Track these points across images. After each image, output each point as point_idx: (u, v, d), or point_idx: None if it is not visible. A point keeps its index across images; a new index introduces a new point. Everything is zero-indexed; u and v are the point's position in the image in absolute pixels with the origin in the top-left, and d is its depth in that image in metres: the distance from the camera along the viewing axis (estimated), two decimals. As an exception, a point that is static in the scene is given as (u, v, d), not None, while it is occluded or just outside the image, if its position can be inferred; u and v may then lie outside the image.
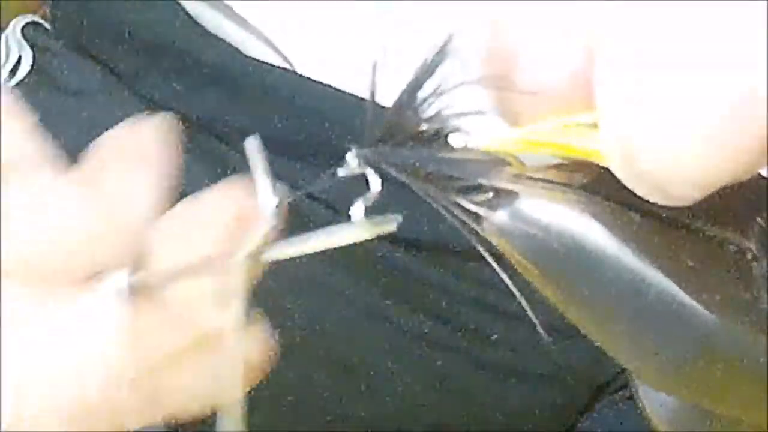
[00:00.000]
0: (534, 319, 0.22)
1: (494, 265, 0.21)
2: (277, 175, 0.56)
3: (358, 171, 0.18)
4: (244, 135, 0.57)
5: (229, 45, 0.58)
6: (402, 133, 0.19)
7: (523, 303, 0.21)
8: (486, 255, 0.21)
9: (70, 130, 0.57)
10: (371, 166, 0.18)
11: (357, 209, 0.19)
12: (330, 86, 0.55)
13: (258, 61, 0.57)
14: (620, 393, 0.60)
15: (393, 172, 0.19)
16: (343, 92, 0.55)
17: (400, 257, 0.57)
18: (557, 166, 0.23)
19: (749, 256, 0.24)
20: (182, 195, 0.56)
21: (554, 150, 0.23)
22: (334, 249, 0.56)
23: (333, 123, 0.55)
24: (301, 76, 0.56)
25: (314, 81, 0.55)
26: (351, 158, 0.18)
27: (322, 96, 0.56)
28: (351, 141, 0.18)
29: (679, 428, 0.26)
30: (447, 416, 0.60)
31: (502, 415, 0.60)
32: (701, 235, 0.24)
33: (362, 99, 0.53)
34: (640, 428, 0.34)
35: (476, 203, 0.22)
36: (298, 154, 0.56)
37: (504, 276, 0.20)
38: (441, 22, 0.51)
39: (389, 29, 0.53)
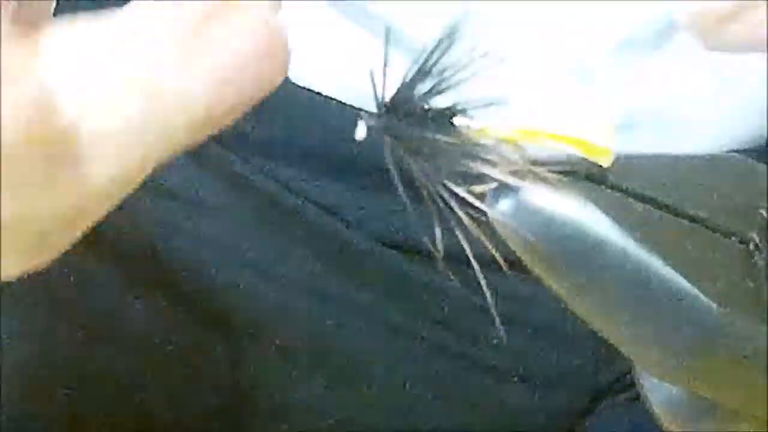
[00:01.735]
0: (494, 314, 0.22)
1: (471, 257, 0.21)
2: (275, 178, 0.56)
3: (368, 135, 0.18)
4: (241, 140, 0.57)
5: None
6: (409, 109, 0.19)
7: (488, 297, 0.21)
8: (470, 253, 0.21)
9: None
10: (378, 135, 0.18)
11: (360, 129, 0.19)
12: (324, 96, 0.56)
13: None
14: (621, 396, 0.60)
15: (392, 146, 0.19)
16: (337, 102, 0.55)
17: (400, 261, 0.57)
18: (562, 156, 0.23)
19: (752, 246, 0.24)
20: (180, 196, 0.56)
21: (559, 141, 0.23)
22: (333, 253, 0.56)
23: (327, 131, 0.55)
24: (297, 85, 0.56)
25: (309, 90, 0.56)
26: (361, 124, 0.18)
27: (317, 105, 0.56)
28: (363, 113, 0.18)
29: (682, 419, 0.26)
30: (447, 420, 0.60)
31: (503, 418, 0.60)
32: (704, 225, 0.24)
33: (359, 109, 0.54)
34: (640, 431, 0.34)
35: (477, 192, 0.22)
36: (294, 160, 0.57)
37: (477, 268, 0.20)
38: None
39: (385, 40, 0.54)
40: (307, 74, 0.56)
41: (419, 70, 0.19)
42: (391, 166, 0.19)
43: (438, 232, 0.21)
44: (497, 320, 0.24)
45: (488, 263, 0.24)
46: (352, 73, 0.54)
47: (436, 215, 0.21)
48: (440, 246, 0.22)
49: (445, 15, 0.23)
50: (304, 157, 0.56)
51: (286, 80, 0.58)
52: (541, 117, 0.23)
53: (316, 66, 0.56)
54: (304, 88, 0.56)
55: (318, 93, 0.55)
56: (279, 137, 0.57)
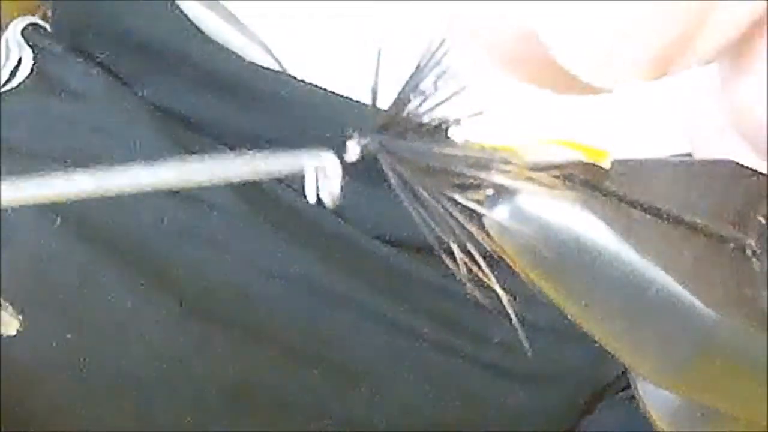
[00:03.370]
0: (514, 317, 0.22)
1: (482, 263, 0.21)
2: (278, 178, 0.56)
3: (359, 156, 0.18)
4: (241, 136, 0.57)
5: (227, 49, 0.58)
6: (403, 125, 0.19)
7: (504, 300, 0.21)
8: (475, 254, 0.21)
9: (71, 132, 0.58)
10: (372, 154, 0.18)
11: (351, 149, 0.19)
12: (323, 89, 0.55)
13: (255, 65, 0.57)
14: (621, 394, 0.60)
15: (391, 163, 0.19)
16: (337, 95, 0.55)
17: (400, 259, 0.57)
18: (558, 163, 0.23)
19: (749, 252, 0.24)
20: (180, 193, 0.56)
21: (556, 144, 0.23)
22: (333, 251, 0.56)
23: (328, 125, 0.55)
24: (296, 79, 0.56)
25: (308, 84, 0.56)
26: (352, 146, 0.18)
27: (316, 98, 0.56)
28: (353, 133, 0.18)
29: (679, 426, 0.26)
30: (447, 418, 0.60)
31: (503, 416, 0.60)
32: (701, 231, 0.24)
33: (356, 101, 0.54)
34: (640, 429, 0.34)
35: (475, 200, 0.22)
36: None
37: (489, 273, 0.20)
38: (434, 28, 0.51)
39: (384, 33, 0.54)
40: (305, 68, 0.56)
41: (411, 85, 0.19)
42: (393, 182, 0.19)
43: (446, 238, 0.21)
44: (516, 322, 0.23)
45: (488, 262, 0.24)
46: (350, 66, 0.54)
47: (441, 225, 0.21)
48: (446, 250, 0.22)
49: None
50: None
51: (285, 74, 0.58)
52: (536, 122, 0.23)
53: (315, 59, 0.56)
54: (302, 81, 0.56)
55: (317, 86, 0.55)
56: (278, 133, 0.56)
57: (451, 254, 0.21)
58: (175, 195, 0.55)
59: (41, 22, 0.65)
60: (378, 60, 0.18)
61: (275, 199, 0.57)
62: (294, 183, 0.56)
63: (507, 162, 0.22)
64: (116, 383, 0.55)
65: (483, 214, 0.22)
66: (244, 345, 0.56)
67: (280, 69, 0.57)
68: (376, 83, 0.18)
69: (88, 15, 0.61)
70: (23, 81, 0.61)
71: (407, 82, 0.19)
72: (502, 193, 0.23)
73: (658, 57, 0.20)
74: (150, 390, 0.55)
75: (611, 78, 0.21)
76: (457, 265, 0.21)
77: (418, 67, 0.18)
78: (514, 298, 0.24)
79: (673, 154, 0.31)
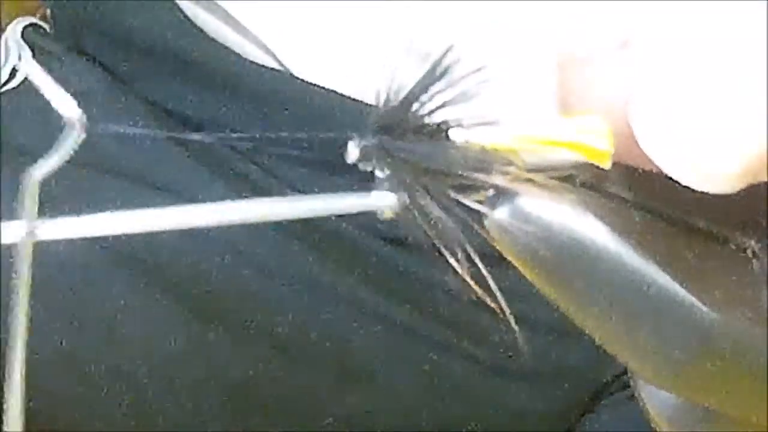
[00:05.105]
0: (509, 317, 0.22)
1: (479, 263, 0.21)
2: (275, 176, 0.56)
3: (361, 160, 0.18)
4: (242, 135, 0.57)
5: (227, 48, 0.58)
6: (404, 127, 0.19)
7: (500, 301, 0.21)
8: (473, 255, 0.21)
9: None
10: (373, 155, 0.18)
11: (380, 195, 0.19)
12: (324, 88, 0.55)
13: (255, 64, 0.57)
14: (620, 393, 0.60)
15: (392, 164, 0.19)
16: (339, 94, 0.55)
17: (399, 256, 0.57)
18: (558, 164, 0.23)
19: (749, 253, 0.24)
20: (179, 193, 0.56)
21: (557, 146, 0.23)
22: (333, 249, 0.56)
23: (329, 125, 0.55)
24: (297, 78, 0.56)
25: (310, 84, 0.56)
26: (352, 148, 0.18)
27: (319, 98, 0.56)
28: (353, 134, 0.18)
29: (679, 426, 0.26)
30: (446, 417, 0.60)
31: (502, 416, 0.60)
32: (702, 232, 0.24)
33: (358, 101, 0.54)
34: (640, 429, 0.34)
35: (476, 201, 0.22)
36: (295, 156, 0.57)
37: (485, 273, 0.20)
38: (438, 26, 0.51)
39: (386, 32, 0.54)
40: (305, 68, 0.56)
41: (412, 87, 0.19)
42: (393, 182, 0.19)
43: (446, 239, 0.21)
44: (512, 320, 0.24)
45: (488, 261, 0.24)
46: (353, 66, 0.54)
47: (441, 225, 0.21)
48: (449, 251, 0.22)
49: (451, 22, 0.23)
50: (302, 152, 0.56)
51: (286, 74, 0.58)
52: (537, 123, 0.23)
53: (315, 59, 0.56)
54: (303, 81, 0.56)
55: (318, 85, 0.55)
56: (279, 132, 0.56)
57: (451, 254, 0.21)
58: (174, 194, 0.55)
59: (41, 22, 0.65)
60: (389, 63, 0.18)
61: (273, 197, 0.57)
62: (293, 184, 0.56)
63: (507, 163, 0.22)
64: (115, 383, 0.55)
65: (483, 215, 0.23)
66: (243, 344, 0.56)
67: (280, 68, 0.57)
68: (384, 84, 0.18)
69: (88, 15, 0.61)
70: (23, 81, 0.61)
71: (409, 84, 0.19)
72: (502, 194, 0.23)
73: (747, 171, 0.22)
74: (149, 389, 0.55)
75: (699, 183, 0.23)
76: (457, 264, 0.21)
77: (421, 69, 0.18)
78: (514, 298, 0.24)
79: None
